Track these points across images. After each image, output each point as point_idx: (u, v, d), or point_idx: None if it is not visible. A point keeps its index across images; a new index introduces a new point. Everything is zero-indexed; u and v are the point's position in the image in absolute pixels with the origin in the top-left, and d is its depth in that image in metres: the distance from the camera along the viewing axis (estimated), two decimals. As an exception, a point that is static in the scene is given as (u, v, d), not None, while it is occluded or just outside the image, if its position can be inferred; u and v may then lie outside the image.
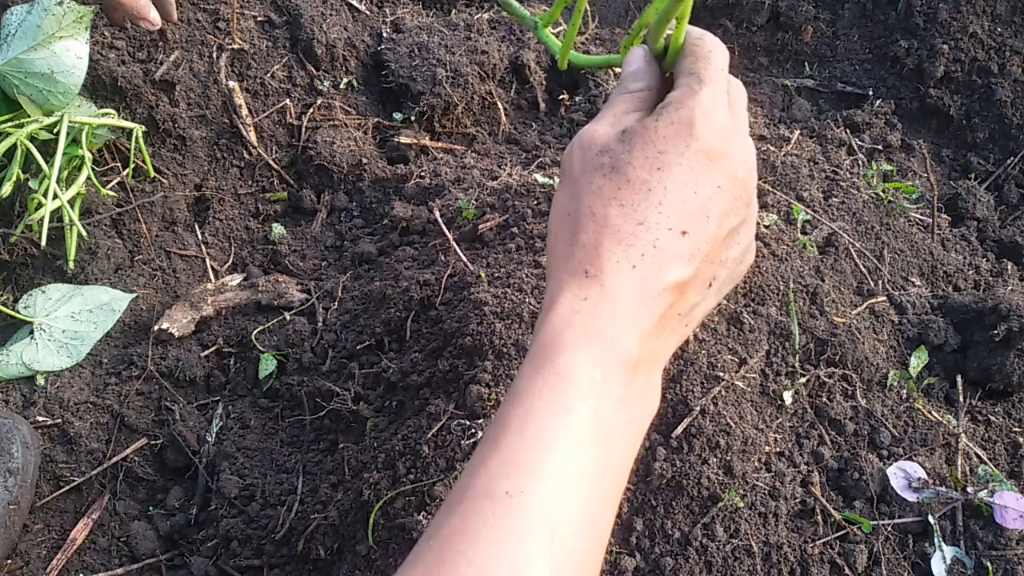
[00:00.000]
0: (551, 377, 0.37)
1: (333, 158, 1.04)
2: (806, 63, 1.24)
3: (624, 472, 0.40)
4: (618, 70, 1.01)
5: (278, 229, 1.02)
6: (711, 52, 0.44)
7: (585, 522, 0.37)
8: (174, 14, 0.82)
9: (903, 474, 0.71)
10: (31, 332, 0.87)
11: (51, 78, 0.87)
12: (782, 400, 0.74)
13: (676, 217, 0.40)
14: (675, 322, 0.41)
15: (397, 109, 1.12)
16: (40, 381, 0.85)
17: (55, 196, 0.87)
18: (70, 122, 0.89)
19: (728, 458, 0.68)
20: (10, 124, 0.87)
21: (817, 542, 0.68)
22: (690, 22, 0.46)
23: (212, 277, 0.97)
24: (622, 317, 0.39)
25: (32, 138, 0.88)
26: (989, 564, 0.67)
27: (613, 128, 0.42)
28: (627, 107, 0.44)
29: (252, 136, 1.04)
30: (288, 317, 0.91)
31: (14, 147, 0.86)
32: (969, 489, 0.70)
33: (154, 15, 0.79)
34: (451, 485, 0.63)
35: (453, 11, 1.25)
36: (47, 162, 0.87)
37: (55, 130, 0.89)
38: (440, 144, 1.10)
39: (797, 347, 0.77)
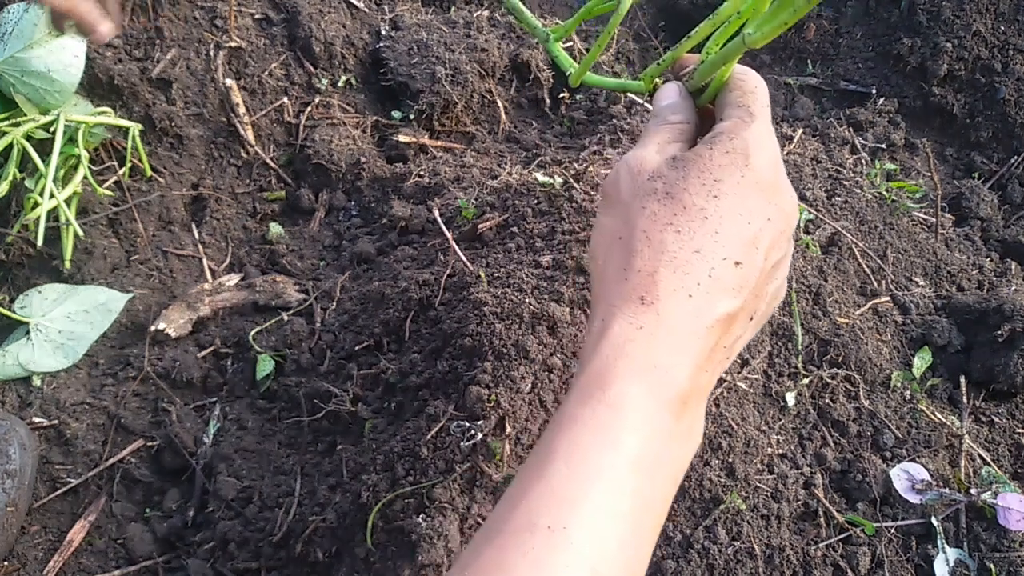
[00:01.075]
0: (600, 407, 0.36)
1: (331, 157, 1.03)
2: (809, 61, 1.23)
3: (665, 509, 0.39)
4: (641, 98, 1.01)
5: (276, 229, 1.02)
6: (757, 87, 0.45)
7: (625, 561, 0.36)
8: (109, 32, 0.79)
9: (906, 476, 0.71)
10: (27, 332, 0.86)
11: (47, 77, 0.86)
12: (785, 401, 0.74)
13: (731, 247, 0.39)
14: (720, 355, 0.41)
15: (396, 107, 1.12)
16: (36, 382, 0.85)
17: (51, 195, 0.86)
18: (66, 121, 0.88)
19: (730, 460, 0.68)
20: (7, 123, 0.86)
21: (820, 544, 0.67)
22: (688, 23, 0.46)
23: (209, 277, 0.96)
24: (676, 348, 0.38)
25: (28, 137, 0.87)
26: (992, 566, 0.67)
27: (661, 155, 0.42)
28: (669, 137, 0.44)
29: (250, 135, 1.04)
30: (286, 317, 0.90)
31: (10, 146, 0.85)
32: (972, 491, 0.70)
33: (104, 28, 0.78)
34: (450, 487, 0.63)
35: (452, 8, 1.24)
36: (43, 161, 0.86)
37: (51, 129, 0.88)
38: (439, 143, 1.09)
39: (800, 348, 0.77)
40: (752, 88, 0.44)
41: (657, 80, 0.51)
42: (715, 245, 0.39)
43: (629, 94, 1.09)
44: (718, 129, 0.42)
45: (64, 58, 0.88)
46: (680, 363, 0.38)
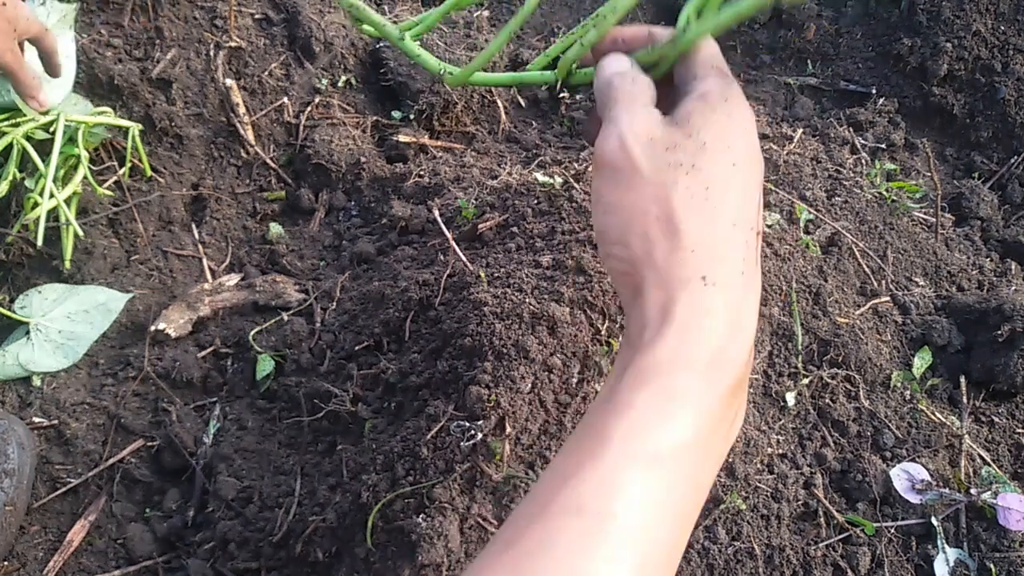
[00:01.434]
0: (660, 395, 0.36)
1: (331, 157, 1.03)
2: (809, 61, 1.23)
3: (705, 495, 0.38)
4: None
5: (276, 229, 1.02)
6: (717, 48, 0.43)
7: (671, 548, 0.35)
8: (48, 101, 0.84)
9: (906, 476, 0.71)
10: (27, 332, 0.86)
11: (41, 78, 0.86)
12: (785, 401, 0.74)
13: (751, 215, 0.39)
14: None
15: (396, 107, 1.12)
16: (36, 382, 0.85)
17: (51, 195, 0.86)
18: (66, 121, 0.88)
19: (730, 460, 0.68)
20: (7, 123, 0.86)
21: (820, 544, 0.67)
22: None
23: (209, 277, 0.96)
24: (737, 332, 0.38)
25: (28, 137, 0.87)
26: (992, 566, 0.67)
27: (664, 124, 0.40)
28: (647, 101, 0.42)
29: (250, 135, 1.04)
30: (286, 317, 0.90)
31: (10, 146, 0.85)
32: (972, 491, 0.70)
33: (43, 97, 0.81)
34: (450, 487, 0.63)
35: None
36: (43, 161, 0.86)
37: (51, 129, 0.88)
38: (439, 143, 1.09)
39: (800, 348, 0.76)
40: (717, 50, 0.43)
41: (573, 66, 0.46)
42: (743, 216, 0.39)
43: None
44: (704, 89, 0.40)
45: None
46: (739, 349, 0.38)
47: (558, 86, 0.49)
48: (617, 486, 0.34)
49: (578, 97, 1.17)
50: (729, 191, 0.39)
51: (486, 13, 1.20)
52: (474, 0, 0.48)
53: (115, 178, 0.96)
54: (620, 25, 0.46)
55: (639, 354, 0.37)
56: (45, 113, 0.87)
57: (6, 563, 0.74)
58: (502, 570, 0.33)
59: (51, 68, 0.86)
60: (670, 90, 0.44)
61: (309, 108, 1.07)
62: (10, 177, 0.86)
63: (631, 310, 0.39)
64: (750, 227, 0.39)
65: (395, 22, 1.29)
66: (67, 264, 0.90)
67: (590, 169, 0.43)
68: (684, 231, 0.38)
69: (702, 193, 0.38)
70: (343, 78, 1.10)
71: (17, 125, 0.86)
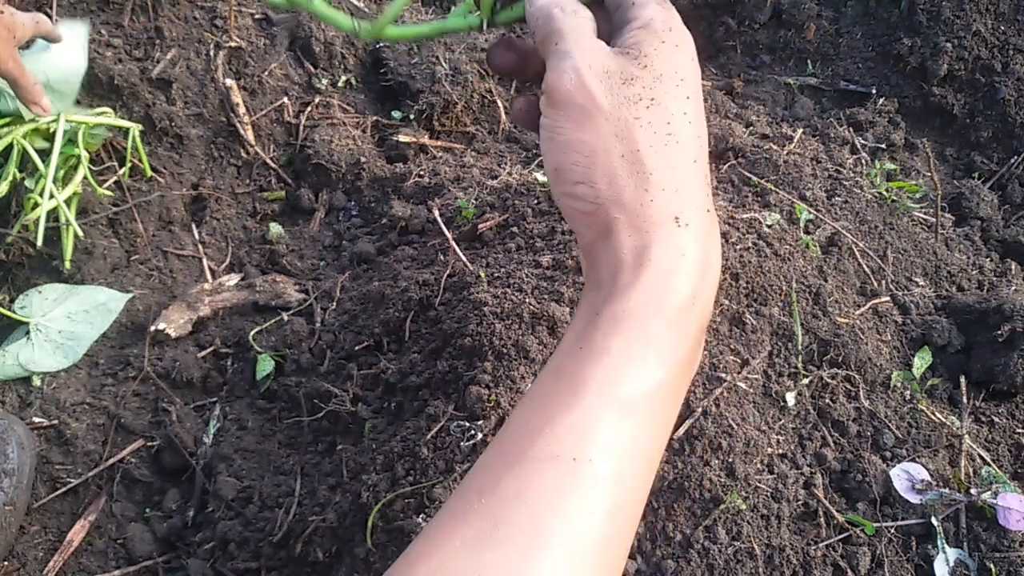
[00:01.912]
0: (637, 340, 0.35)
1: (331, 157, 1.03)
2: (809, 61, 1.23)
3: (668, 436, 0.38)
4: None
5: (276, 229, 1.02)
6: None
7: (641, 491, 0.35)
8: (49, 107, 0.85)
9: (906, 476, 0.71)
10: (27, 332, 0.86)
11: (48, 87, 0.87)
12: (785, 401, 0.74)
13: (705, 148, 0.38)
14: None
15: (396, 107, 1.12)
16: (36, 382, 0.85)
17: (52, 196, 0.86)
18: (67, 122, 0.88)
19: (730, 460, 0.68)
20: (6, 127, 0.86)
21: (820, 544, 0.67)
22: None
23: (209, 277, 0.96)
24: (707, 275, 0.37)
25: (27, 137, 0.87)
26: (992, 566, 0.67)
27: (615, 56, 0.38)
28: (591, 32, 0.39)
29: (250, 135, 1.04)
30: (286, 317, 0.90)
31: (10, 146, 0.85)
32: (972, 491, 0.70)
33: (46, 102, 0.83)
34: (451, 488, 0.63)
35: (452, 8, 1.24)
36: (43, 161, 0.86)
37: (51, 130, 0.88)
38: (439, 143, 1.09)
39: (800, 348, 0.77)
40: None
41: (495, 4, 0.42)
42: (701, 151, 0.38)
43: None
44: (646, 17, 0.39)
45: (64, 67, 0.88)
46: (708, 290, 0.37)
47: (484, 28, 0.45)
48: (593, 433, 0.33)
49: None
50: (687, 125, 0.38)
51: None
52: None
53: (115, 178, 0.96)
54: None
55: (614, 298, 0.36)
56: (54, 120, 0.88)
57: (6, 563, 0.74)
58: (477, 518, 0.32)
59: (55, 40, 0.87)
60: (602, 18, 0.41)
61: (309, 108, 1.07)
62: (10, 177, 0.86)
63: (598, 251, 0.38)
64: (706, 162, 0.38)
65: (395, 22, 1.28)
66: (67, 264, 0.90)
67: (543, 109, 0.40)
68: (652, 170, 0.36)
69: (664, 128, 0.37)
70: (343, 78, 1.10)
71: (18, 126, 0.86)
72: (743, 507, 0.67)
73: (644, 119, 0.37)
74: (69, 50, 0.90)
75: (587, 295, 0.38)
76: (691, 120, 0.38)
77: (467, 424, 0.64)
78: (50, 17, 0.97)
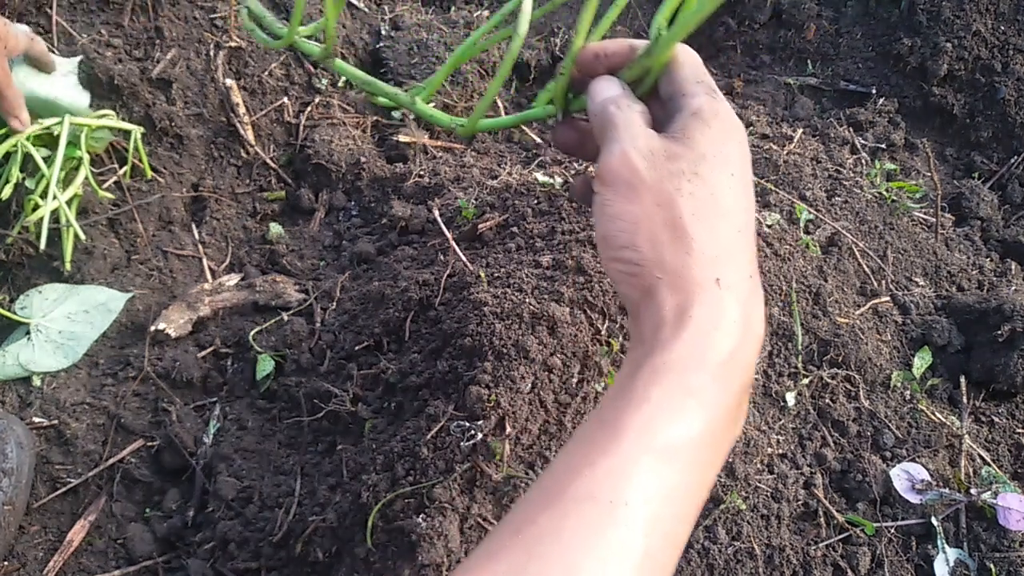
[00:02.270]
0: (677, 393, 0.37)
1: (331, 157, 1.03)
2: (809, 61, 1.23)
3: (707, 493, 0.40)
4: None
5: (276, 229, 1.02)
6: (700, 61, 0.45)
7: (676, 541, 0.36)
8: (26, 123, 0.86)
9: (906, 476, 0.71)
10: (27, 333, 0.86)
11: (55, 104, 0.89)
12: (785, 401, 0.74)
13: (751, 220, 0.41)
14: None
15: (396, 107, 1.12)
16: (36, 382, 0.85)
17: (54, 197, 0.86)
18: (70, 124, 0.88)
19: (730, 460, 0.68)
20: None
21: (820, 544, 0.67)
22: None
23: (209, 277, 0.96)
24: (749, 335, 0.39)
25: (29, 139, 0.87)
26: (992, 566, 0.67)
27: (661, 138, 0.42)
28: (644, 121, 0.43)
29: (250, 135, 1.04)
30: (286, 317, 0.90)
31: (12, 148, 0.85)
32: (972, 491, 0.70)
33: (25, 117, 0.85)
34: (450, 487, 0.63)
35: (452, 8, 1.24)
36: (46, 163, 0.86)
37: (55, 132, 0.88)
38: (439, 143, 1.09)
39: (800, 348, 0.76)
40: (700, 63, 0.45)
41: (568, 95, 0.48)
42: (746, 222, 0.41)
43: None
44: (695, 106, 0.42)
45: (71, 87, 0.91)
46: (749, 351, 0.39)
47: (560, 117, 0.51)
48: (630, 476, 0.35)
49: (570, 96, 1.17)
50: (731, 198, 0.40)
51: (486, 13, 1.20)
52: (473, 53, 0.50)
53: (115, 179, 0.96)
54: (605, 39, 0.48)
55: (655, 352, 0.38)
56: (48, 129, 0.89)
57: (6, 563, 0.74)
58: (513, 554, 0.34)
59: (44, 67, 0.89)
60: (659, 108, 0.46)
61: (309, 108, 1.07)
62: (13, 180, 0.86)
63: (642, 310, 0.40)
64: (751, 233, 0.41)
65: (395, 22, 1.28)
66: (67, 265, 0.90)
67: (595, 187, 0.44)
68: (693, 235, 0.39)
69: (707, 199, 0.40)
70: (343, 78, 1.10)
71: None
72: (743, 507, 0.67)
73: (686, 191, 0.40)
74: (74, 81, 0.92)
75: (631, 352, 0.41)
76: (735, 194, 0.41)
77: (467, 424, 0.64)
78: (50, 17, 0.97)
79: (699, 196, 0.40)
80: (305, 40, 0.53)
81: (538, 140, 1.11)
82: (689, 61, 0.45)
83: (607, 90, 0.45)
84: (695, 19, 0.41)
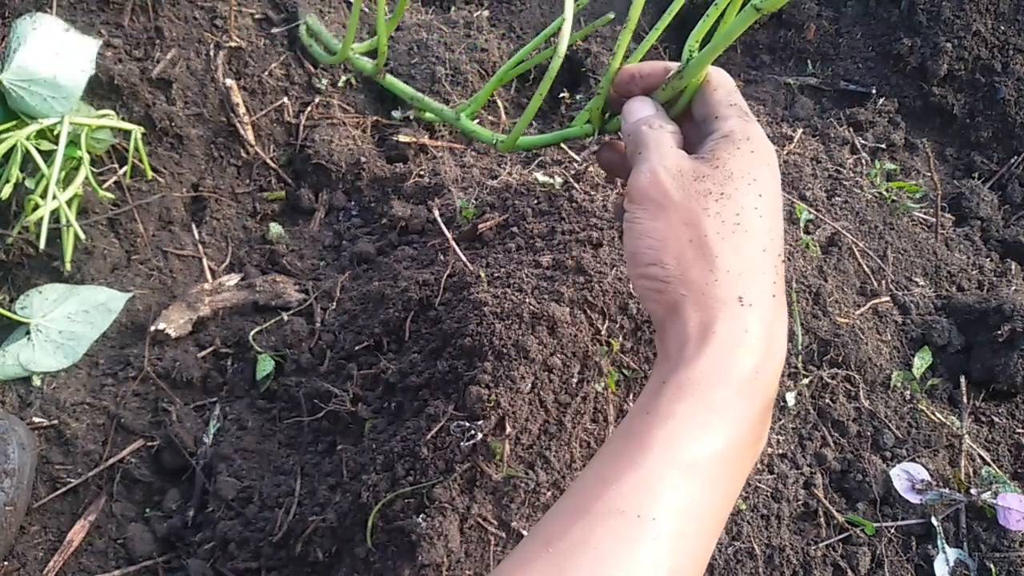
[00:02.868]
0: (701, 409, 0.37)
1: (331, 157, 1.03)
2: (809, 61, 1.23)
3: (731, 507, 0.40)
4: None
5: (276, 229, 1.02)
6: (733, 83, 0.46)
7: (701, 556, 0.37)
8: None
9: (906, 476, 0.71)
10: (27, 333, 0.86)
11: (54, 83, 0.87)
12: (785, 401, 0.74)
13: (778, 241, 0.42)
14: None
15: (396, 107, 1.12)
16: (36, 382, 0.85)
17: (54, 197, 0.86)
18: (70, 124, 0.88)
19: (730, 460, 0.68)
20: (9, 128, 0.86)
21: (820, 544, 0.67)
22: (688, 20, 0.46)
23: (209, 277, 0.96)
24: (772, 352, 0.40)
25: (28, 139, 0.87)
26: (992, 566, 0.67)
27: (691, 159, 0.43)
28: (675, 142, 0.45)
29: (250, 135, 1.04)
30: (286, 317, 0.90)
31: (11, 148, 0.85)
32: (972, 491, 0.70)
33: None
34: (450, 487, 0.63)
35: (452, 8, 1.24)
36: (46, 163, 0.86)
37: (55, 132, 0.88)
38: (439, 143, 1.09)
39: (800, 347, 0.76)
40: (733, 86, 0.46)
41: (604, 115, 0.50)
42: (772, 243, 0.41)
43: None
44: (727, 129, 0.43)
45: (72, 64, 0.88)
46: (772, 369, 0.40)
47: (596, 135, 0.53)
48: (657, 491, 0.36)
49: (578, 97, 1.17)
50: (757, 218, 0.41)
51: (486, 13, 1.20)
52: (516, 73, 0.52)
53: (115, 179, 0.96)
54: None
55: (680, 368, 0.39)
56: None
57: (6, 563, 0.74)
58: (543, 565, 0.35)
59: None
60: (693, 130, 0.47)
61: (309, 108, 1.07)
62: (13, 179, 0.86)
63: (667, 327, 0.41)
64: (777, 253, 0.41)
65: (396, 25, 1.29)
66: (67, 265, 0.90)
67: (625, 205, 0.45)
68: (718, 253, 0.40)
69: (733, 219, 0.41)
70: (343, 78, 1.10)
71: (20, 128, 0.86)
72: (743, 507, 0.67)
73: (712, 210, 0.41)
74: (79, 54, 0.90)
75: (656, 368, 0.42)
76: (762, 215, 0.42)
77: (467, 424, 0.64)
78: (50, 17, 0.97)
79: (725, 216, 0.41)
80: (358, 56, 0.55)
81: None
82: (722, 84, 0.46)
83: (640, 110, 0.46)
84: (726, 41, 0.42)
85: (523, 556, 0.36)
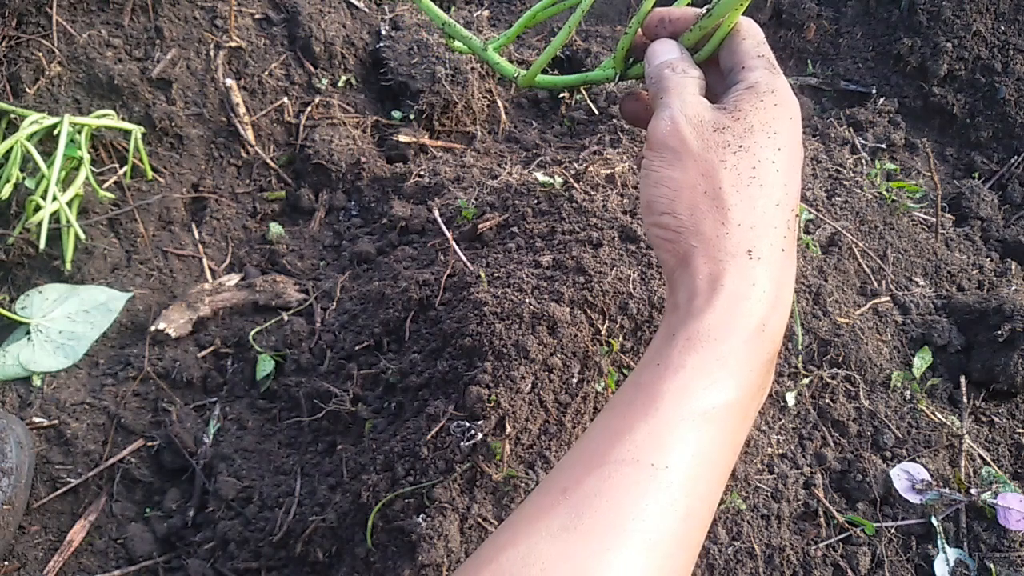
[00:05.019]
0: (711, 360, 0.38)
1: (331, 157, 1.03)
2: (809, 61, 1.23)
3: (736, 456, 0.41)
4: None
5: (276, 228, 1.02)
6: (762, 35, 0.45)
7: (711, 501, 0.38)
8: None
9: (906, 476, 0.71)
10: (28, 333, 0.86)
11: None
12: (785, 401, 0.74)
13: (793, 197, 0.42)
14: None
15: (396, 107, 1.12)
16: (36, 382, 0.85)
17: (54, 198, 0.86)
18: (70, 124, 0.88)
19: (730, 460, 0.68)
20: (8, 127, 0.86)
21: (820, 544, 0.67)
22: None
23: (209, 277, 0.96)
24: (779, 306, 0.40)
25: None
26: (992, 566, 0.67)
27: (712, 109, 0.43)
28: (697, 89, 0.44)
29: (250, 135, 1.04)
30: (286, 317, 0.90)
31: (11, 148, 0.85)
32: (972, 491, 0.70)
33: None
34: (450, 487, 0.63)
35: (452, 8, 1.24)
36: (45, 162, 0.86)
37: (55, 132, 0.88)
38: (439, 143, 1.09)
39: (800, 347, 0.76)
40: (762, 38, 0.45)
41: (629, 59, 0.49)
42: (786, 197, 0.41)
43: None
44: (752, 80, 0.43)
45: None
46: (778, 322, 0.40)
47: (617, 79, 0.52)
48: (670, 440, 0.37)
49: (578, 98, 1.17)
50: (774, 172, 0.41)
51: (486, 13, 1.20)
52: (549, 14, 0.51)
53: (115, 179, 0.96)
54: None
55: (689, 320, 0.39)
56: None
57: (6, 563, 0.74)
58: (562, 511, 0.36)
59: None
60: (719, 80, 0.46)
61: (309, 108, 1.07)
62: (12, 179, 0.86)
63: (677, 277, 0.42)
64: (791, 208, 0.42)
65: (395, 22, 1.28)
66: (68, 265, 0.90)
67: (644, 151, 0.44)
68: (731, 206, 0.40)
69: (748, 172, 0.41)
70: (343, 78, 1.10)
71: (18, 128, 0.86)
72: (743, 507, 0.67)
73: (730, 162, 0.41)
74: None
75: (666, 317, 0.42)
76: (779, 169, 0.41)
77: (467, 424, 0.64)
78: (50, 17, 0.97)
79: (741, 168, 0.41)
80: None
81: (538, 140, 1.11)
82: (751, 34, 0.45)
83: (665, 53, 0.46)
84: None
85: (540, 503, 0.37)
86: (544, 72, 0.54)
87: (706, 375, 0.38)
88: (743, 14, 0.45)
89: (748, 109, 0.42)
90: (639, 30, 0.48)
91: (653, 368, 0.39)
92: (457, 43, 0.55)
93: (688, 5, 0.48)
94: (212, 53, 1.03)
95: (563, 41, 0.50)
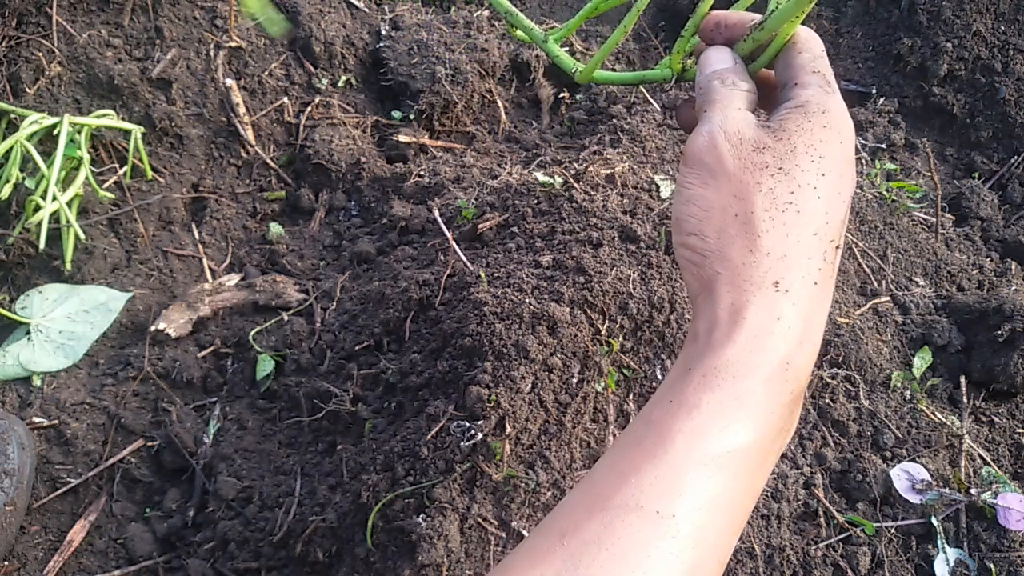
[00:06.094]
0: (727, 400, 0.36)
1: (331, 157, 1.03)
2: (808, 61, 1.23)
3: (755, 500, 0.39)
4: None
5: (276, 228, 1.02)
6: (823, 50, 0.43)
7: (722, 553, 0.36)
8: None
9: (906, 476, 0.71)
10: (28, 333, 0.86)
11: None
12: (784, 401, 0.74)
13: (834, 228, 0.39)
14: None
15: (396, 107, 1.12)
16: (37, 382, 0.85)
17: (54, 198, 0.86)
18: (70, 124, 0.88)
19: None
20: (8, 127, 0.86)
21: (820, 544, 0.67)
22: (683, 20, 0.45)
23: (209, 277, 0.96)
24: (806, 344, 0.37)
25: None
26: (992, 566, 0.67)
27: (756, 126, 0.40)
28: (744, 104, 0.42)
29: (250, 135, 1.04)
30: (286, 317, 0.90)
31: (10, 148, 0.85)
32: (973, 491, 0.70)
33: None
34: (450, 487, 0.63)
35: (452, 8, 1.24)
36: (45, 162, 0.86)
37: (55, 132, 0.88)
38: (439, 143, 1.09)
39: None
40: (821, 51, 0.43)
41: (686, 60, 0.48)
42: (826, 226, 0.38)
43: (643, 88, 1.05)
44: (803, 98, 0.40)
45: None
46: (804, 360, 0.37)
47: (674, 81, 0.50)
48: (678, 487, 0.34)
49: (578, 97, 1.17)
50: (814, 199, 0.38)
51: (486, 13, 1.20)
52: (610, 5, 0.50)
53: (115, 179, 0.96)
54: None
55: (707, 354, 0.37)
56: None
57: (6, 563, 0.74)
58: (558, 559, 0.33)
59: None
60: (772, 93, 0.44)
61: (309, 108, 1.07)
62: (12, 179, 0.86)
63: (700, 304, 0.39)
64: (831, 239, 0.38)
65: (395, 22, 1.28)
66: (68, 265, 0.90)
67: (680, 167, 0.42)
68: (762, 232, 0.37)
69: (786, 196, 0.38)
70: (343, 78, 1.10)
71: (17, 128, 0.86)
72: (743, 507, 0.66)
73: (766, 185, 0.38)
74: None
75: (685, 348, 0.39)
76: (821, 196, 0.38)
77: (467, 424, 0.64)
78: (50, 17, 0.97)
79: (778, 192, 0.38)
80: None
81: (538, 140, 1.11)
82: (808, 47, 0.42)
83: (718, 62, 0.43)
84: None
85: (535, 549, 0.35)
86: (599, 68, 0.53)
87: (722, 416, 0.35)
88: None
89: (794, 129, 0.39)
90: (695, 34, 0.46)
91: (666, 405, 0.36)
92: (519, 32, 0.54)
93: (748, 8, 0.46)
94: (212, 53, 1.03)
95: (619, 40, 0.49)
